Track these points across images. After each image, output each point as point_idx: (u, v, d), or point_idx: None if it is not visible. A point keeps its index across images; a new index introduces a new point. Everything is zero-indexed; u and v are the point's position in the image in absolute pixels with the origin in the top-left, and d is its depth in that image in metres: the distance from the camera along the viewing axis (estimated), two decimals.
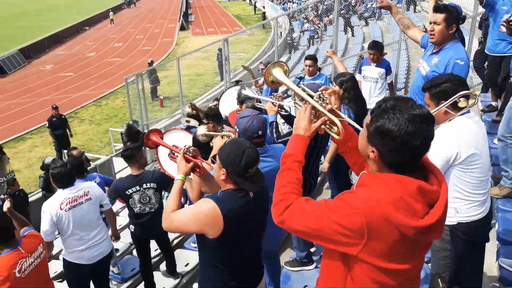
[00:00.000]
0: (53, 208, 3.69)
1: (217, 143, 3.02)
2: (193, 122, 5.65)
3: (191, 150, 2.49)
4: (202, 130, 3.34)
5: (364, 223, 1.43)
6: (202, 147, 3.61)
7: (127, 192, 4.19)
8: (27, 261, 3.11)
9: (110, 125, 13.90)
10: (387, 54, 7.32)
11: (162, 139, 3.02)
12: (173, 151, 2.66)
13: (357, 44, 17.06)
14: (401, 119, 1.41)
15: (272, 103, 3.48)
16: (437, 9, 3.29)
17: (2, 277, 2.96)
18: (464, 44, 4.63)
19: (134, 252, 5.77)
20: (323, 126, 1.83)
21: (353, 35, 19.71)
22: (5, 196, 3.62)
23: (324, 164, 4.42)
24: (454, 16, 3.26)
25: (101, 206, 4.06)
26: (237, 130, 2.90)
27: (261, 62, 7.13)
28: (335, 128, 1.80)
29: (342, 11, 21.10)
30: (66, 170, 3.78)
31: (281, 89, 7.31)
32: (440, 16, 3.26)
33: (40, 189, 8.50)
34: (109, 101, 17.81)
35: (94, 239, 3.89)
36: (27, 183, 10.45)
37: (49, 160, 8.22)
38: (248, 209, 2.25)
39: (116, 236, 4.45)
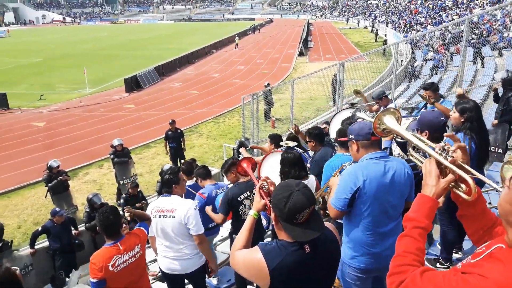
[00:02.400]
0: (149, 210, 4.02)
1: (334, 182, 2.98)
2: (291, 144, 5.73)
3: (265, 185, 2.27)
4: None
5: None
6: (295, 164, 3.64)
7: (239, 198, 4.26)
8: (122, 258, 3.34)
9: (224, 141, 14.67)
10: None
11: (254, 166, 3.12)
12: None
13: (487, 76, 15.63)
14: None
15: None
16: None
17: (98, 267, 3.24)
18: None
19: None
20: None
21: (483, 66, 18.11)
22: (127, 208, 3.93)
23: (440, 198, 4.03)
24: None
25: None
26: (352, 136, 2.85)
27: (372, 98, 6.91)
28: (463, 186, 1.55)
29: (472, 41, 19.59)
30: (165, 178, 4.01)
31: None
32: None
33: (156, 193, 9.32)
34: (226, 119, 18.86)
35: (178, 253, 3.98)
36: (146, 186, 11.46)
37: (166, 167, 9.00)
38: (302, 266, 1.97)
39: (212, 269, 4.25)
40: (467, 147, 3.47)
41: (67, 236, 7.40)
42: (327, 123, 9.14)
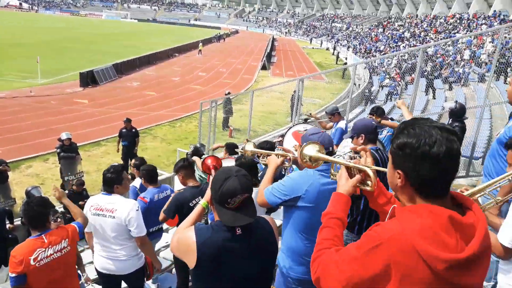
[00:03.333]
0: (87, 205, 3.83)
1: (272, 160, 3.02)
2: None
3: None
4: (250, 146, 3.36)
5: (388, 258, 1.30)
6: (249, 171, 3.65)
7: (190, 204, 4.10)
8: (46, 252, 3.15)
9: (179, 146, 14.42)
10: (467, 119, 6.98)
11: (219, 167, 3.10)
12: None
13: (437, 107, 16.51)
14: (419, 131, 1.36)
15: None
16: None
17: (18, 260, 3.05)
18: None
19: (174, 270, 5.82)
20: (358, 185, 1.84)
21: (434, 97, 19.11)
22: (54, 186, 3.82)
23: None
24: None
25: None
26: None
27: (326, 112, 7.22)
28: (369, 183, 1.80)
29: (425, 73, 20.66)
30: (106, 176, 3.80)
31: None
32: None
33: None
34: (183, 124, 18.59)
35: (115, 253, 3.83)
36: (92, 185, 11.00)
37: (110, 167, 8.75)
38: (231, 247, 2.01)
39: (157, 268, 4.18)
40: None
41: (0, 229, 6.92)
42: (283, 136, 9.23)
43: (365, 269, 1.34)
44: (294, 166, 5.19)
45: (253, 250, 2.08)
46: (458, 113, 6.37)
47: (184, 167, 4.37)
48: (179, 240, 2.09)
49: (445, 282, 1.28)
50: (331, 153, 2.81)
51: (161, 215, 4.24)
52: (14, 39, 42.15)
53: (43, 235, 3.20)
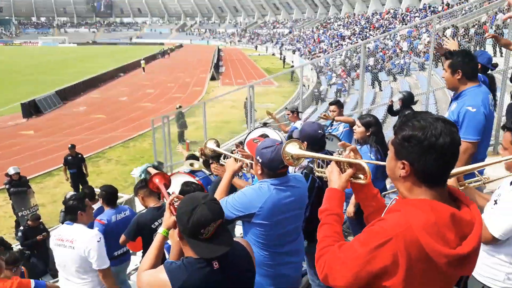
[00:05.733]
0: (51, 239, 3.70)
1: (229, 165, 2.85)
2: (197, 166, 5.62)
3: (176, 201, 2.15)
4: (211, 144, 3.26)
5: (397, 252, 1.37)
6: None
7: (152, 225, 3.94)
8: None
9: (135, 166, 13.98)
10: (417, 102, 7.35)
11: (168, 183, 2.94)
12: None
13: (385, 98, 17.19)
14: (424, 123, 1.42)
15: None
16: (444, 55, 3.26)
17: None
18: (494, 93, 4.59)
19: None
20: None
21: (380, 90, 19.85)
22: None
23: (349, 209, 4.04)
24: (458, 62, 3.14)
25: None
26: (260, 160, 2.59)
27: (286, 108, 7.32)
28: (361, 176, 1.79)
29: (369, 67, 21.41)
30: (68, 204, 3.62)
31: None
32: (446, 62, 3.20)
33: (60, 223, 8.56)
34: (137, 143, 18.16)
35: (77, 285, 3.62)
36: (49, 217, 10.48)
37: (70, 195, 8.37)
38: (210, 284, 1.85)
39: None
40: (373, 157, 3.78)
41: None
42: (241, 143, 9.19)
43: (373, 265, 1.39)
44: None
45: (234, 281, 1.93)
46: (408, 100, 6.74)
47: (143, 187, 4.23)
48: (151, 283, 1.89)
49: (443, 274, 1.41)
50: (285, 166, 2.61)
51: (122, 238, 4.09)
52: None
53: None
